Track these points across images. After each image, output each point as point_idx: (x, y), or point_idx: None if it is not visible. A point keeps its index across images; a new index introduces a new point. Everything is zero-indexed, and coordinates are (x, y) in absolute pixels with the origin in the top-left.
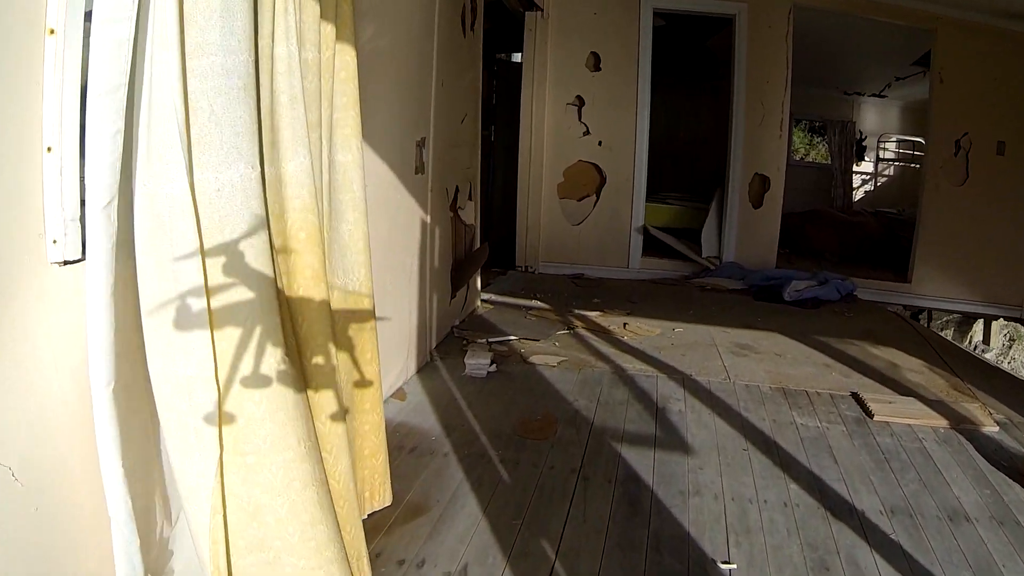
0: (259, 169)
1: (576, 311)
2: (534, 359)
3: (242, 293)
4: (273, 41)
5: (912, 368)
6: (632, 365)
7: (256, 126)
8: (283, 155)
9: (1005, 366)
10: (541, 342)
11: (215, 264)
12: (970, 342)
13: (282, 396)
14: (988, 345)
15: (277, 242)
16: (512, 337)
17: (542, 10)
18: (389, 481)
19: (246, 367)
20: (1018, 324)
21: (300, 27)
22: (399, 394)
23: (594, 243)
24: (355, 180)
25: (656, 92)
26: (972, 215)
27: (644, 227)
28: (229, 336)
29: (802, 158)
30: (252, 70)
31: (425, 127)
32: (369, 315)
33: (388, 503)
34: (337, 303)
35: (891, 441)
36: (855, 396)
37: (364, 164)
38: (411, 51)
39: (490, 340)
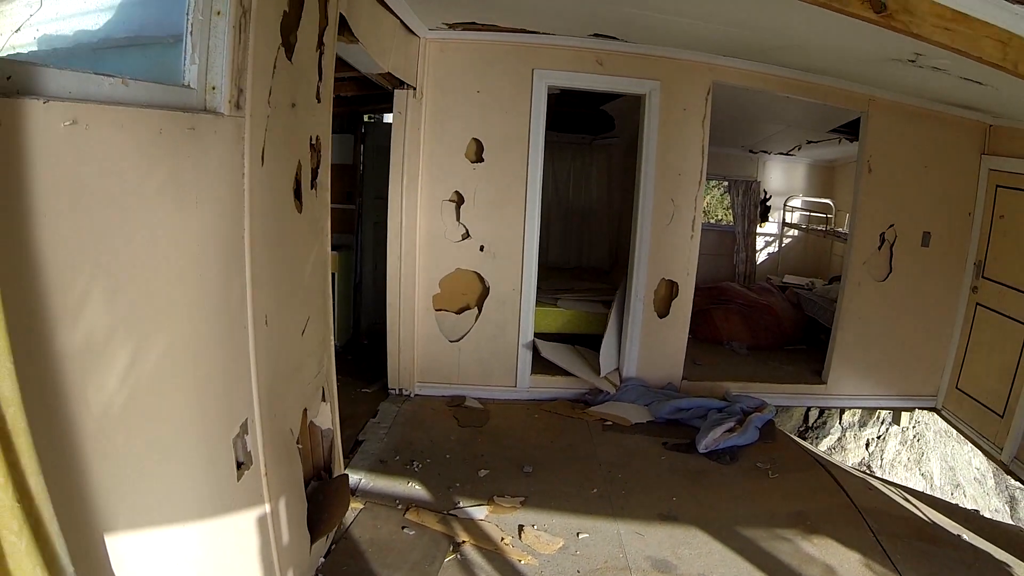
0: None
1: (461, 506)
2: None
3: None
4: None
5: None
6: None
7: None
8: None
9: (910, 432)
10: None
11: None
12: (878, 417)
13: None
14: (897, 424)
15: None
16: None
17: (415, 88)
18: None
19: None
20: (932, 412)
21: None
22: None
23: (476, 361)
24: None
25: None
26: (892, 311)
27: (534, 344)
28: None
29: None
30: None
31: (246, 404)
32: None
33: None
34: None
35: None
36: None
37: None
38: (205, 304)
39: None
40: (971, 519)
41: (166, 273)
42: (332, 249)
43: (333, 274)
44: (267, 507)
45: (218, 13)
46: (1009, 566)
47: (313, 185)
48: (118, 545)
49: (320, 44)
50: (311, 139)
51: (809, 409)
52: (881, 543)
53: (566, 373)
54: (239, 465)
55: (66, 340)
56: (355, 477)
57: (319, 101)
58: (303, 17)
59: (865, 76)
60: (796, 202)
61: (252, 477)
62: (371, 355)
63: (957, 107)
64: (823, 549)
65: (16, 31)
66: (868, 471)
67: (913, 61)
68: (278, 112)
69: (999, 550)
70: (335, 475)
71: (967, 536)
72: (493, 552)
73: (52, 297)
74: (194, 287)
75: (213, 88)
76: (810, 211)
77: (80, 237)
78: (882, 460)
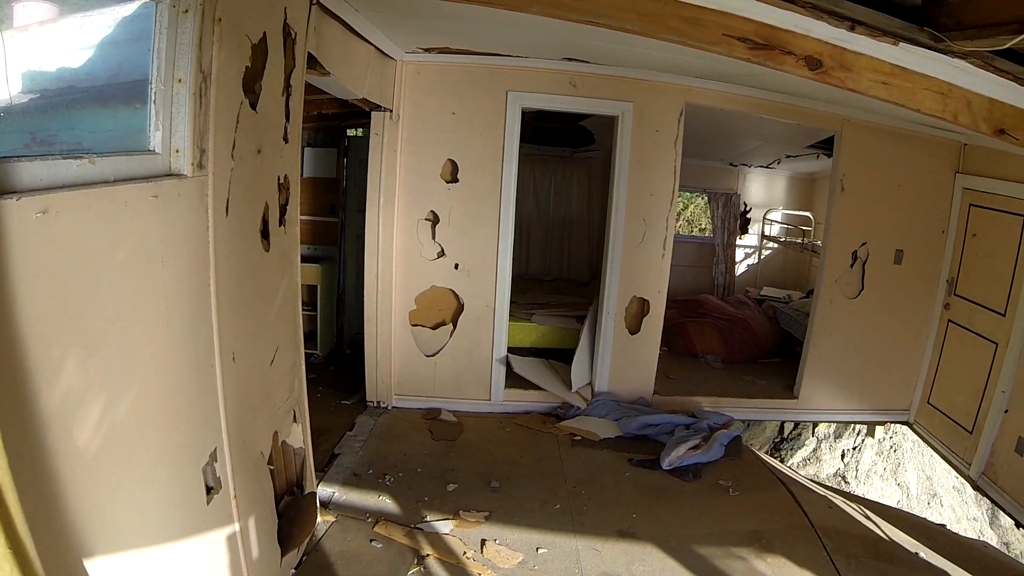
0: None
1: (428, 520)
2: None
3: None
4: None
5: None
6: None
7: None
8: None
9: (887, 443)
10: None
11: None
12: (854, 429)
13: None
14: (872, 436)
15: None
16: None
17: (391, 110)
18: None
19: None
20: (904, 426)
21: None
22: None
23: (451, 375)
24: None
25: (523, 164)
26: (864, 328)
27: (507, 360)
28: None
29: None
30: None
31: (215, 435)
32: None
33: None
34: None
35: None
36: None
37: None
38: (174, 351)
39: None
40: (934, 535)
41: (135, 329)
42: (315, 261)
43: (316, 286)
44: (236, 526)
45: (179, 81)
46: None
47: (282, 222)
48: (99, 569)
49: (287, 87)
50: (279, 179)
51: (784, 421)
52: (834, 562)
53: (539, 387)
54: (208, 490)
55: (46, 400)
56: (329, 490)
57: (287, 141)
58: (267, 67)
59: (838, 98)
60: (776, 215)
61: (221, 500)
62: (353, 365)
63: (931, 127)
64: (776, 568)
65: None
66: (843, 482)
67: None
68: (243, 162)
69: (957, 568)
70: (306, 492)
71: (924, 554)
72: (455, 566)
73: (32, 365)
74: (162, 338)
75: (177, 151)
76: (790, 224)
77: (54, 311)
78: (857, 471)
